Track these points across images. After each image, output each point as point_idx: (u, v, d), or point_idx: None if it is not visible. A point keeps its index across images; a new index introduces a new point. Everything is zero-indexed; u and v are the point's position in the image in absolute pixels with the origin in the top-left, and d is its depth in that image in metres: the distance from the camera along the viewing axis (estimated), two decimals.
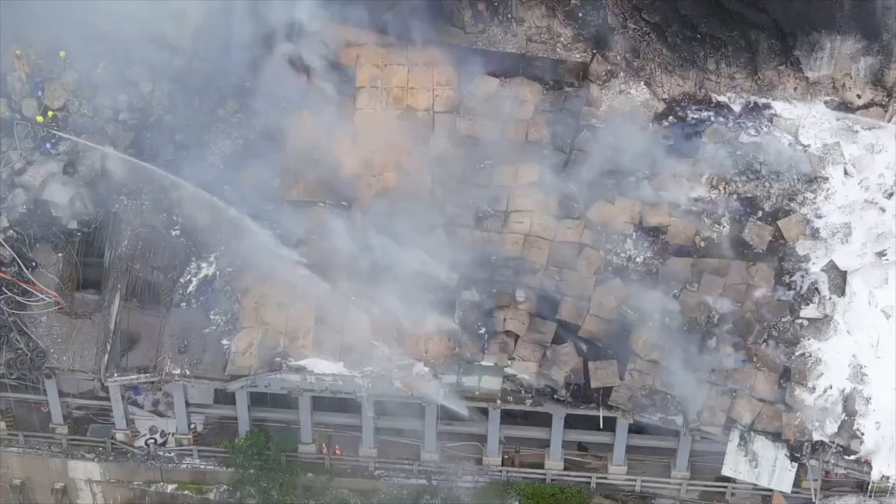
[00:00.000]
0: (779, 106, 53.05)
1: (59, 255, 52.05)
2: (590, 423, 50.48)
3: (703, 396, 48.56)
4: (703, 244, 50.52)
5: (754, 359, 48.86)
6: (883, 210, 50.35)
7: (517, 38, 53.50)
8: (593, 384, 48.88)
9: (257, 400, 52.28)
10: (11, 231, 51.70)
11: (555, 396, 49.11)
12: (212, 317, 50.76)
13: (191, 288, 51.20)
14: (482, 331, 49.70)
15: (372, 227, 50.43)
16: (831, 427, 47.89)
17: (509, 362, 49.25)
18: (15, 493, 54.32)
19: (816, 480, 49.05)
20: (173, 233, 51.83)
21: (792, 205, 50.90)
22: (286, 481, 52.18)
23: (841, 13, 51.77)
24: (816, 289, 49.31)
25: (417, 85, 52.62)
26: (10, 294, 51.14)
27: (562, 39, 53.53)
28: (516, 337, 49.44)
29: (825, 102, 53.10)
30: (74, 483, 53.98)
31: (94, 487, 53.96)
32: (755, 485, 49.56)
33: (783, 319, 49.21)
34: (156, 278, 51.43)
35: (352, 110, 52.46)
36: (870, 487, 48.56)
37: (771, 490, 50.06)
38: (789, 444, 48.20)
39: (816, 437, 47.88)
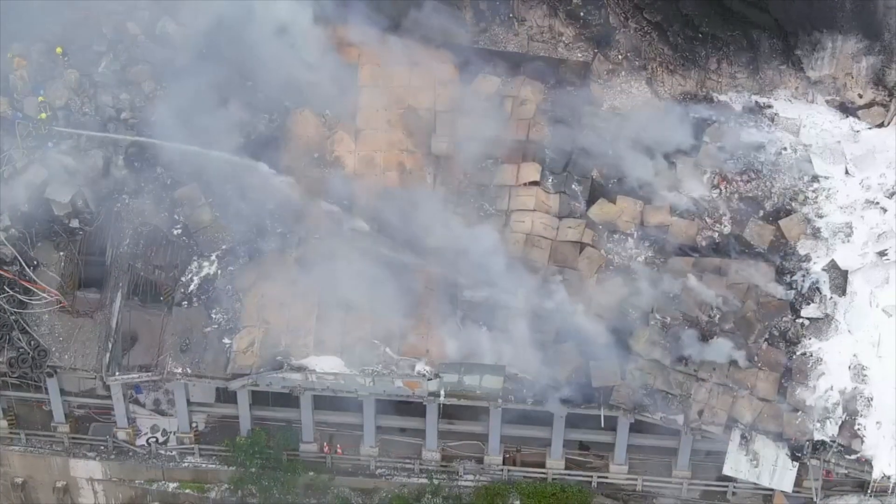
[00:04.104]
0: (780, 105, 53.16)
1: (61, 253, 52.08)
2: (591, 423, 50.50)
3: (704, 395, 48.62)
4: (704, 243, 50.56)
5: (755, 358, 48.89)
6: (884, 210, 50.41)
7: (519, 38, 53.56)
8: (594, 383, 48.93)
9: (259, 399, 52.30)
10: (13, 229, 51.73)
11: (556, 396, 49.13)
12: (213, 315, 50.80)
13: (192, 287, 51.22)
14: (484, 329, 49.72)
15: (372, 226, 50.62)
16: (832, 426, 47.93)
17: (511, 361, 49.24)
18: (17, 491, 54.36)
19: (817, 480, 49.06)
20: (175, 231, 51.86)
21: (793, 204, 50.96)
22: (287, 480, 52.20)
23: (842, 13, 51.81)
24: (817, 288, 49.35)
25: (419, 84, 52.64)
26: (11, 293, 51.17)
27: (563, 39, 53.59)
28: (518, 336, 49.45)
29: (826, 102, 53.17)
30: (76, 481, 54.02)
31: (95, 486, 54.01)
32: (756, 484, 49.60)
33: (784, 319, 49.25)
34: (157, 277, 51.47)
35: (354, 109, 52.54)
36: (871, 487, 48.60)
37: (772, 489, 50.12)
38: (790, 443, 48.24)
39: (817, 436, 47.93)
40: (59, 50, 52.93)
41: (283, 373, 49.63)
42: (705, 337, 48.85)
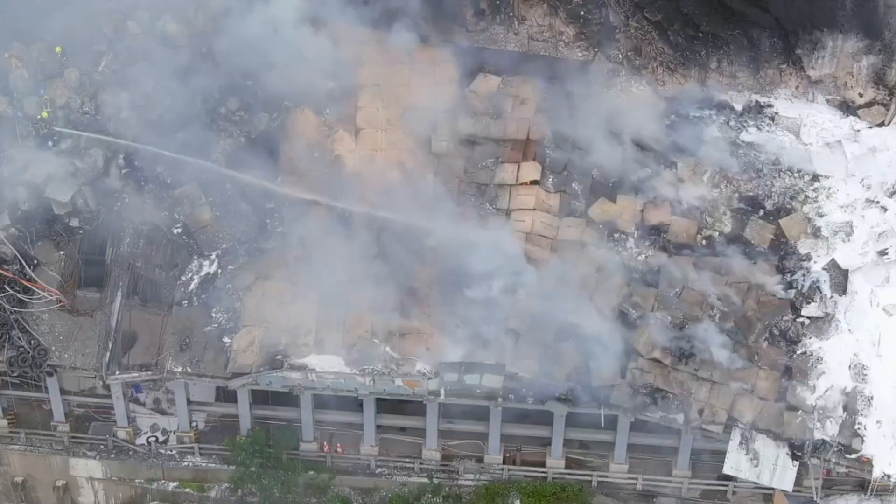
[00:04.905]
0: (780, 104, 53.14)
1: (61, 252, 52.07)
2: (591, 422, 50.46)
3: (705, 395, 48.60)
4: (704, 242, 50.54)
5: (756, 357, 48.87)
6: (885, 209, 50.40)
7: (519, 37, 53.54)
8: (594, 382, 48.89)
9: (259, 398, 52.29)
10: (13, 228, 51.74)
11: (556, 395, 49.11)
12: (213, 314, 50.79)
13: (192, 286, 51.23)
14: (484, 329, 49.67)
15: (373, 225, 50.61)
16: (832, 426, 47.91)
17: (511, 361, 49.19)
18: (17, 490, 54.36)
19: (818, 479, 49.07)
20: (175, 230, 51.86)
21: (794, 203, 50.95)
22: (287, 479, 52.19)
23: (843, 12, 51.80)
24: (818, 287, 49.33)
25: (419, 83, 52.61)
26: (11, 292, 51.16)
27: (564, 38, 53.57)
28: (518, 335, 49.44)
29: (827, 101, 53.16)
30: (76, 481, 54.02)
31: (95, 485, 54.00)
32: (756, 483, 49.57)
33: (784, 318, 49.24)
34: (157, 276, 51.47)
35: (354, 108, 52.54)
36: (871, 486, 48.57)
37: (772, 489, 50.10)
38: (791, 442, 48.22)
39: (818, 435, 47.91)
40: (58, 49, 52.95)
41: (283, 372, 49.62)
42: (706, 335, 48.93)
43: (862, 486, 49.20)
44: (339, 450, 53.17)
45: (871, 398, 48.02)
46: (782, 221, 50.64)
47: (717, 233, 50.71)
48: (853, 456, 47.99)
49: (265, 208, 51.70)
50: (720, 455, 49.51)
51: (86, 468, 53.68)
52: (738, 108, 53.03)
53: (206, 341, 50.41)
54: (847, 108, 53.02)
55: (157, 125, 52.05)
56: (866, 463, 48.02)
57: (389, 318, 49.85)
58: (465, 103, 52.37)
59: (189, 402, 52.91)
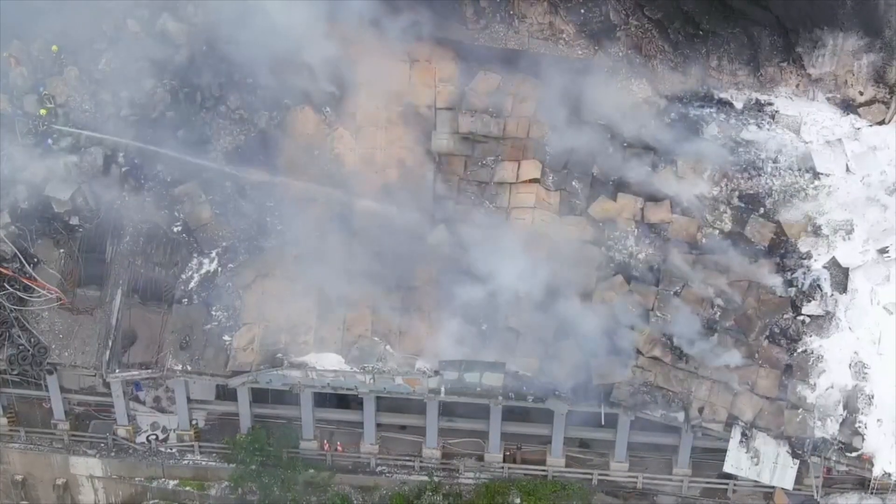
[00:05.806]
0: (781, 103, 53.07)
1: (61, 250, 52.09)
2: (591, 420, 50.44)
3: (705, 393, 48.58)
4: (704, 241, 50.51)
5: (756, 356, 48.86)
6: (885, 207, 50.37)
7: (519, 35, 53.51)
8: (595, 381, 48.87)
9: (259, 396, 52.30)
10: (13, 227, 51.77)
11: (556, 393, 49.10)
12: (213, 313, 50.77)
13: (192, 284, 51.22)
14: (484, 327, 49.66)
15: (372, 224, 50.59)
16: (833, 424, 47.91)
17: (511, 359, 49.18)
18: (16, 488, 54.38)
19: (818, 477, 49.07)
20: (175, 229, 51.85)
21: (794, 201, 50.91)
22: (287, 477, 52.17)
23: (843, 10, 51.73)
24: (818, 286, 49.32)
25: (419, 81, 52.60)
26: (11, 290, 51.19)
27: (564, 36, 53.53)
28: (518, 333, 49.41)
29: (827, 99, 53.11)
30: (76, 479, 54.03)
31: (95, 483, 54.01)
32: (757, 482, 49.57)
33: (785, 316, 49.22)
34: (157, 274, 51.47)
35: (353, 106, 52.51)
36: (871, 484, 48.57)
37: (772, 487, 50.09)
38: (791, 441, 48.20)
39: (818, 433, 47.92)
40: (54, 49, 52.92)
41: (283, 370, 49.61)
42: (706, 334, 48.86)
43: (862, 484, 49.22)
44: (339, 448, 53.16)
45: (872, 396, 48.03)
46: (783, 219, 50.60)
47: (718, 231, 50.68)
48: (853, 454, 48.01)
49: (265, 206, 51.67)
50: (720, 453, 49.49)
51: (86, 466, 53.69)
52: (739, 106, 52.99)
53: (206, 339, 50.40)
54: (847, 106, 52.96)
55: (157, 123, 52.08)
56: (867, 461, 48.05)
57: (389, 316, 49.85)
58: (465, 101, 52.32)
59: (189, 400, 52.90)
